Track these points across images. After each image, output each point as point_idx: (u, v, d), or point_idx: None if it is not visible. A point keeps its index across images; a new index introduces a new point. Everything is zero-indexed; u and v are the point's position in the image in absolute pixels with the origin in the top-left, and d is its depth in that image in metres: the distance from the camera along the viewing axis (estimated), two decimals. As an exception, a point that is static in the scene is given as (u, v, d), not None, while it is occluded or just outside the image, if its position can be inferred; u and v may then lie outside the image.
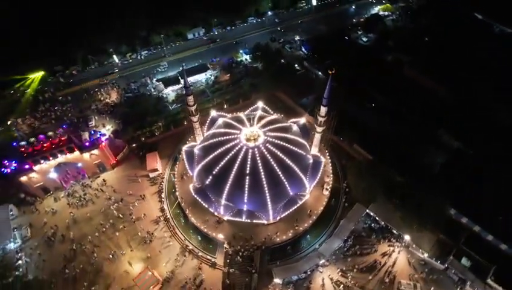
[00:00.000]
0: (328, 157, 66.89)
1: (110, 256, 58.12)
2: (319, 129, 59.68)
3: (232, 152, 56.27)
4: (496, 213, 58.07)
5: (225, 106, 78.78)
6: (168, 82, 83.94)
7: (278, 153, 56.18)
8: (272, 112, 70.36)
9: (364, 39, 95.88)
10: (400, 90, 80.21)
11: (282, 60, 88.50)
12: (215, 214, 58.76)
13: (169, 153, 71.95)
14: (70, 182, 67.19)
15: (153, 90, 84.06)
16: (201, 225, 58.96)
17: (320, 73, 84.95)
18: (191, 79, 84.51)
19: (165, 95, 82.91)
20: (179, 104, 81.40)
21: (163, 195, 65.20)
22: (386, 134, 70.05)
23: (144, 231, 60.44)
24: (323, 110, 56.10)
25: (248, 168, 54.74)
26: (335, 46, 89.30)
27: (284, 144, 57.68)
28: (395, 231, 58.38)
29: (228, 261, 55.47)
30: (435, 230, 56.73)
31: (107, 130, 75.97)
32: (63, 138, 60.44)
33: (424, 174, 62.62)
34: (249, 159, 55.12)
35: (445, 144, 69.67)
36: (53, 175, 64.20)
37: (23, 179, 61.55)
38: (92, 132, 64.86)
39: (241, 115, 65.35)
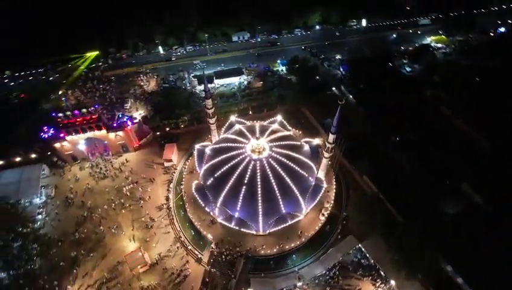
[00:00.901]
0: (334, 182, 66.65)
1: (113, 230, 63.88)
2: (326, 155, 59.86)
3: (236, 160, 58.83)
4: (499, 285, 54.01)
5: (250, 112, 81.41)
6: (202, 80, 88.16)
7: (279, 169, 57.50)
8: (289, 127, 71.65)
9: (408, 69, 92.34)
10: (432, 128, 76.81)
11: (317, 77, 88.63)
12: (211, 214, 61.85)
13: (187, 147, 76.26)
14: (96, 154, 74.48)
15: (188, 85, 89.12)
16: (196, 221, 62.39)
17: (351, 96, 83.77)
18: (226, 80, 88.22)
19: (197, 92, 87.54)
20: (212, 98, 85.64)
21: (171, 185, 69.69)
22: (402, 171, 67.88)
23: (148, 215, 65.23)
24: (331, 137, 56.19)
25: (246, 178, 56.85)
26: (375, 70, 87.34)
27: (288, 162, 58.80)
28: (382, 273, 56.93)
29: (211, 260, 58.20)
30: (425, 283, 54.46)
31: (138, 114, 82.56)
32: (94, 116, 67.33)
33: (430, 222, 60.02)
34: (249, 170, 57.20)
35: (463, 193, 65.72)
36: (82, 147, 71.86)
37: (57, 145, 69.93)
38: (120, 115, 71.05)
39: (256, 125, 67.51)
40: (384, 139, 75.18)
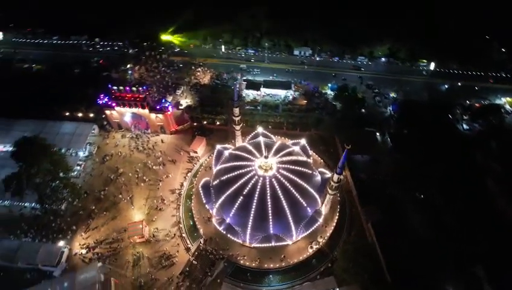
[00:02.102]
0: (336, 218, 65.80)
1: (128, 198, 72.22)
2: (331, 192, 59.83)
3: (243, 170, 61.92)
4: None
5: (284, 127, 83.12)
6: (251, 85, 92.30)
7: (279, 192, 58.98)
8: (310, 153, 72.33)
9: (466, 126, 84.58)
10: (466, 199, 70.16)
11: (363, 110, 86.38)
12: (210, 211, 65.95)
13: (214, 143, 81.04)
14: (138, 127, 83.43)
15: (237, 86, 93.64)
16: (195, 214, 67.33)
17: (388, 139, 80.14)
18: (272, 91, 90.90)
19: (244, 95, 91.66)
20: (251, 107, 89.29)
21: (189, 174, 75.47)
22: (413, 232, 63.98)
23: (160, 196, 71.24)
24: (335, 177, 56.14)
25: (246, 190, 59.63)
26: (427, 118, 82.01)
27: (290, 187, 59.90)
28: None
29: (196, 253, 62.61)
30: None
31: (185, 102, 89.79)
32: (141, 96, 75.85)
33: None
34: (251, 184, 59.82)
35: (471, 275, 59.76)
36: (127, 118, 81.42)
37: (107, 112, 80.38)
38: (164, 100, 78.44)
39: (278, 143, 69.37)
40: (407, 191, 71.35)
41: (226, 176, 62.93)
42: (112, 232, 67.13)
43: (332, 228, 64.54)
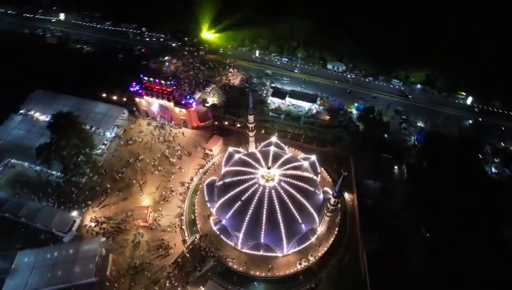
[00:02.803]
0: (332, 240, 65.28)
1: (141, 182, 76.84)
2: (328, 214, 60.07)
3: (246, 176, 63.84)
4: None
5: (301, 140, 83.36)
6: (277, 93, 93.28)
7: (276, 203, 60.17)
8: (319, 170, 72.34)
9: (495, 170, 79.19)
10: (476, 244, 66.30)
11: (386, 135, 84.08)
12: (210, 209, 68.41)
13: (231, 145, 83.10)
14: (164, 118, 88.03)
15: (264, 92, 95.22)
16: (197, 209, 70.31)
17: (405, 169, 77.35)
18: (297, 102, 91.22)
19: (268, 101, 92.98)
20: (275, 115, 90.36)
21: (200, 170, 78.57)
22: (410, 270, 61.79)
23: (170, 187, 74.82)
24: (332, 200, 56.47)
25: (245, 196, 61.44)
26: (452, 154, 77.95)
27: (287, 200, 60.79)
28: None
29: (190, 247, 65.40)
30: None
31: (211, 100, 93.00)
32: (168, 89, 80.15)
33: None
34: (251, 191, 61.65)
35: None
36: (154, 108, 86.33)
37: (137, 99, 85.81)
38: (188, 96, 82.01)
39: (287, 155, 70.24)
40: (414, 225, 68.85)
41: (230, 179, 65.09)
42: (120, 212, 72.11)
43: (326, 249, 64.29)
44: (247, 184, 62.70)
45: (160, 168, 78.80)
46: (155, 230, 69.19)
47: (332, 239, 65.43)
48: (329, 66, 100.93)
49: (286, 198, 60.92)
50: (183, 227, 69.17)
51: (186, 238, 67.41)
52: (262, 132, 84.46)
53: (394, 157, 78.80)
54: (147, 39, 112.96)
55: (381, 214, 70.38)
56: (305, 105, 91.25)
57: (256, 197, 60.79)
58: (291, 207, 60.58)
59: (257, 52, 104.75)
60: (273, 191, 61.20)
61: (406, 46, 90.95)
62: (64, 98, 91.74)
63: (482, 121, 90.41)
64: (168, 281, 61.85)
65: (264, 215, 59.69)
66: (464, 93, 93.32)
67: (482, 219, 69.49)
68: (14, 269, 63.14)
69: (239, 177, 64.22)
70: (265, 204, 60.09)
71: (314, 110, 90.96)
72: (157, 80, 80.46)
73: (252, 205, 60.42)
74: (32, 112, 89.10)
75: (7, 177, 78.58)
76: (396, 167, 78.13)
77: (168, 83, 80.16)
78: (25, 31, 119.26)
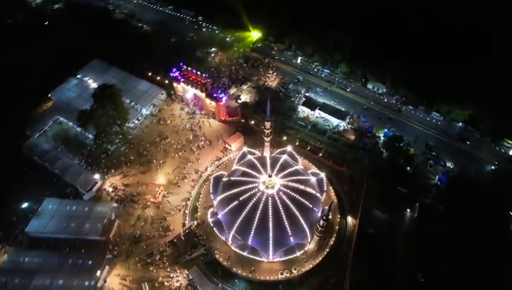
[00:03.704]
0: (319, 259, 65.66)
1: (161, 162, 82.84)
2: (317, 234, 62.17)
3: (249, 178, 66.76)
4: None
5: (319, 154, 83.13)
6: (308, 103, 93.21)
7: (270, 211, 62.36)
8: (325, 188, 72.21)
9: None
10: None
11: (408, 168, 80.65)
12: (212, 201, 71.98)
13: (250, 144, 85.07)
14: (197, 105, 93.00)
15: (296, 99, 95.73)
16: (202, 198, 74.63)
17: (418, 208, 73.85)
18: (326, 116, 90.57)
19: (298, 109, 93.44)
20: (302, 124, 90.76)
21: (216, 162, 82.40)
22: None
23: (185, 174, 80.00)
24: (321, 222, 56.67)
25: (243, 197, 64.52)
26: (475, 205, 72.53)
27: (282, 211, 62.48)
28: None
29: (187, 231, 69.89)
30: None
31: (244, 98, 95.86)
32: (202, 81, 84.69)
33: None
34: (249, 193, 64.71)
35: None
36: (189, 95, 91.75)
37: (175, 84, 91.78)
38: (220, 91, 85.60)
39: (298, 166, 71.17)
40: (409, 267, 66.26)
41: (235, 178, 68.13)
42: (136, 184, 78.96)
43: (311, 266, 64.89)
44: (248, 186, 65.35)
45: (181, 153, 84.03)
46: (161, 209, 74.83)
47: (320, 258, 65.90)
48: (370, 86, 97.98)
49: (281, 208, 62.49)
50: (186, 211, 74.03)
51: (186, 222, 72.16)
52: (284, 138, 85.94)
53: (410, 193, 75.47)
54: (203, 29, 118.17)
55: (379, 247, 68.70)
56: (334, 120, 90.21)
57: (252, 201, 63.34)
58: (284, 218, 62.07)
59: (299, 58, 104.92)
60: (270, 198, 63.12)
61: (454, 80, 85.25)
62: (115, 70, 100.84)
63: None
64: (159, 256, 67.45)
65: (256, 220, 62.04)
66: (511, 142, 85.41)
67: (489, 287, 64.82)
68: (39, 212, 72.75)
69: (243, 178, 67.01)
70: (260, 209, 62.35)
71: (342, 128, 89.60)
72: (194, 70, 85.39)
73: (247, 207, 63.09)
74: (86, 78, 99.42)
75: (53, 132, 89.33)
76: (409, 203, 74.97)
77: (203, 75, 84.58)
78: (100, 4, 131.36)
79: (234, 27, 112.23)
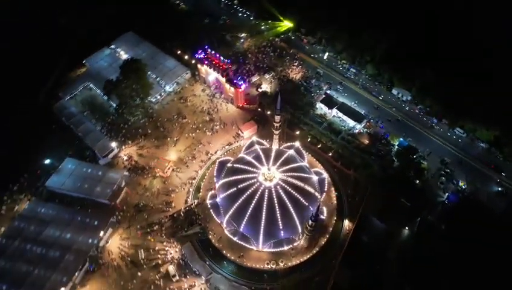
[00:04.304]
0: (308, 257, 67.26)
1: (174, 139, 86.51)
2: (306, 232, 62.59)
3: (250, 168, 69.09)
4: None
5: (329, 154, 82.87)
6: (327, 100, 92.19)
7: (264, 201, 64.29)
8: (326, 189, 72.61)
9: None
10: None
11: (418, 181, 78.64)
12: (215, 184, 74.76)
13: (263, 134, 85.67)
14: (218, 88, 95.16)
15: (317, 95, 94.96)
16: (206, 180, 78.06)
17: (418, 223, 72.33)
18: (343, 116, 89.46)
19: (317, 106, 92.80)
20: (318, 121, 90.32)
21: (226, 147, 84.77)
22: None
23: (195, 154, 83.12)
24: (310, 222, 57.47)
25: (241, 185, 66.81)
26: (482, 232, 69.67)
27: (276, 207, 64.22)
28: None
29: (187, 208, 73.69)
30: None
31: (265, 87, 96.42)
32: (224, 66, 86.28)
33: None
34: (248, 182, 66.90)
35: None
36: (211, 78, 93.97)
37: (199, 66, 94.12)
38: (239, 78, 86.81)
39: (302, 163, 71.95)
40: (398, 281, 66.04)
41: (238, 166, 70.16)
42: (149, 157, 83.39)
43: (298, 261, 66.55)
44: (248, 175, 67.39)
45: (194, 134, 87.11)
46: (167, 185, 78.91)
47: (308, 256, 67.30)
48: (394, 92, 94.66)
49: (276, 202, 64.11)
50: (190, 190, 77.56)
51: (188, 199, 75.82)
52: (297, 132, 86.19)
53: (413, 207, 74.06)
54: (238, 14, 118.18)
55: (370, 255, 68.84)
56: (350, 122, 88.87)
57: (250, 190, 65.49)
58: (277, 212, 63.72)
59: (326, 54, 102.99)
60: (266, 190, 64.89)
61: (485, 98, 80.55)
62: (146, 44, 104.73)
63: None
64: (158, 227, 71.92)
65: (250, 209, 64.21)
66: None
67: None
68: (59, 169, 79.39)
69: (246, 167, 68.95)
70: (255, 200, 64.37)
71: (357, 130, 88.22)
72: (217, 54, 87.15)
73: (244, 196, 65.35)
74: (118, 49, 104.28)
75: (82, 97, 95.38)
76: (410, 217, 73.64)
77: (226, 60, 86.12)
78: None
79: (268, 15, 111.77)
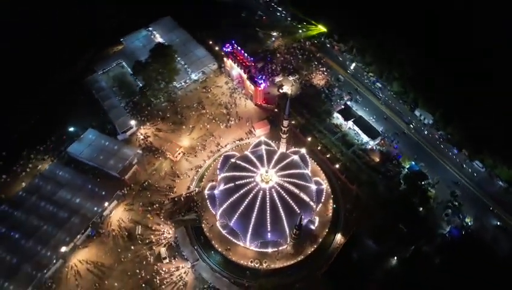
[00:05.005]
0: (292, 262, 68.47)
1: (190, 126, 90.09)
2: (290, 239, 63.55)
3: (250, 167, 70.84)
4: None
5: (335, 166, 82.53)
6: (345, 111, 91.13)
7: (256, 205, 66.11)
8: (322, 200, 73.01)
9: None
10: None
11: (421, 209, 76.53)
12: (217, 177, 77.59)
13: (275, 135, 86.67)
14: (240, 83, 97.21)
15: (335, 105, 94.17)
16: (210, 171, 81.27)
17: (411, 251, 70.76)
18: (358, 130, 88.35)
19: (334, 115, 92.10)
20: (332, 130, 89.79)
21: (236, 142, 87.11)
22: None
23: (205, 145, 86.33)
24: (294, 230, 58.39)
25: (239, 182, 68.88)
26: (480, 271, 67.06)
27: (268, 210, 65.89)
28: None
29: (188, 195, 77.20)
30: None
31: (287, 89, 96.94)
32: (247, 63, 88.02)
33: None
34: (245, 181, 68.97)
35: None
36: (235, 72, 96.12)
37: (225, 59, 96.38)
38: (260, 76, 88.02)
39: (303, 172, 72.73)
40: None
41: (240, 163, 72.23)
42: (164, 139, 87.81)
43: (282, 265, 68.12)
44: (247, 174, 69.48)
45: (209, 125, 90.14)
46: (175, 170, 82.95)
47: (292, 262, 68.55)
48: (417, 113, 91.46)
49: (268, 204, 65.75)
50: (195, 177, 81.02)
51: (191, 186, 79.36)
52: (309, 139, 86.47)
53: (409, 234, 72.50)
54: (276, 13, 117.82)
55: (355, 274, 68.73)
56: (364, 137, 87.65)
57: (245, 188, 67.66)
58: (268, 214, 65.44)
59: (354, 64, 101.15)
60: (261, 191, 66.69)
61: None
62: (181, 31, 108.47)
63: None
64: (158, 207, 76.28)
65: (243, 206, 66.44)
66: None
67: None
68: (81, 138, 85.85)
69: (247, 165, 70.93)
70: (249, 198, 66.52)
71: (370, 146, 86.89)
72: (242, 51, 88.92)
73: (239, 193, 67.57)
74: (155, 32, 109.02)
75: (114, 74, 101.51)
76: (404, 244, 72.20)
77: (249, 59, 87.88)
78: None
79: (304, 16, 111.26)
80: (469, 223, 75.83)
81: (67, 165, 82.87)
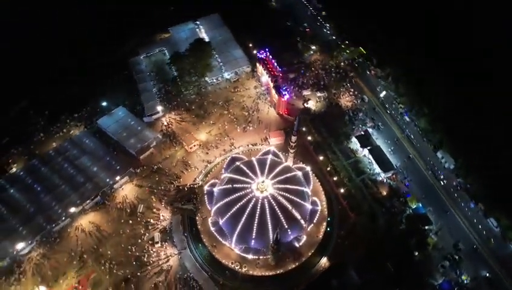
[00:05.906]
0: (269, 274, 69.91)
1: (211, 122, 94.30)
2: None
3: (250, 174, 73.21)
4: None
5: (340, 191, 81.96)
6: (364, 138, 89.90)
7: (246, 212, 68.63)
8: (314, 221, 73.29)
9: None
10: None
11: (417, 253, 73.71)
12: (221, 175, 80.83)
13: (285, 147, 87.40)
14: (268, 90, 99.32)
15: (356, 129, 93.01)
16: (217, 168, 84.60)
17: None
18: (372, 159, 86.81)
19: (352, 139, 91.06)
20: (348, 155, 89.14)
21: (248, 145, 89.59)
22: None
23: (220, 142, 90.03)
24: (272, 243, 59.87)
25: (235, 185, 71.61)
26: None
27: (256, 219, 67.74)
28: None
29: (191, 186, 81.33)
30: None
31: (311, 103, 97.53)
32: (275, 72, 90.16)
33: None
34: (240, 185, 71.67)
35: None
36: (264, 79, 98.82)
37: (257, 64, 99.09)
38: (284, 87, 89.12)
39: (303, 189, 73.44)
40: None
41: (243, 167, 74.85)
42: (184, 129, 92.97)
43: (259, 274, 69.91)
44: (246, 179, 72.08)
45: (228, 126, 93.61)
46: (187, 160, 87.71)
47: (271, 273, 70.04)
48: (439, 154, 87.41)
49: (257, 213, 67.89)
50: (202, 171, 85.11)
51: (197, 178, 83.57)
52: (321, 158, 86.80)
53: (397, 274, 70.55)
54: (322, 28, 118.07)
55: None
56: (377, 168, 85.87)
57: (240, 193, 70.50)
58: (255, 222, 67.48)
59: (385, 92, 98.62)
60: (253, 199, 68.98)
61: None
62: (225, 29, 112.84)
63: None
64: (162, 190, 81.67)
65: (234, 209, 69.22)
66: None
67: None
68: (112, 113, 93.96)
69: (248, 171, 73.41)
70: (241, 203, 69.23)
71: (380, 178, 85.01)
72: (273, 60, 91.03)
73: (234, 196, 70.48)
74: (200, 27, 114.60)
75: (155, 59, 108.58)
76: (389, 285, 70.34)
77: (278, 69, 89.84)
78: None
79: (347, 36, 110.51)
80: (465, 281, 71.92)
81: (94, 135, 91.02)
